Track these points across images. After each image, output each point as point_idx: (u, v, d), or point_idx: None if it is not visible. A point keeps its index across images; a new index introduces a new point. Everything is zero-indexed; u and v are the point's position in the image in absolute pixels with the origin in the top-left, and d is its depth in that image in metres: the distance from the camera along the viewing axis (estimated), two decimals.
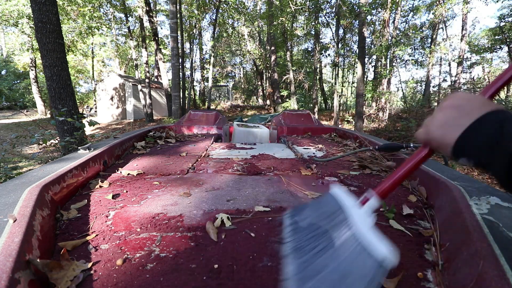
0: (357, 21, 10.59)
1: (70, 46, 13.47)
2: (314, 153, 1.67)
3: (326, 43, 16.02)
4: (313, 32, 13.75)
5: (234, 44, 19.90)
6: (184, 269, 0.56)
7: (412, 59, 15.90)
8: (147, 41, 13.37)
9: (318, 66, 13.73)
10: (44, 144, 2.61)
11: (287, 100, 15.10)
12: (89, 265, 0.56)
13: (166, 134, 2.19)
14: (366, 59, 13.86)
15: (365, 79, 11.59)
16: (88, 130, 10.10)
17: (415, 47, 15.60)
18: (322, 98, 19.08)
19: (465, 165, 0.38)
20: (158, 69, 15.53)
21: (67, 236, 0.68)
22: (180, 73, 11.93)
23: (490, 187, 0.76)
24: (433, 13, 13.86)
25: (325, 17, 13.14)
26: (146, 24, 12.68)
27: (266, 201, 0.89)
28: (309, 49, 19.11)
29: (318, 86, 15.82)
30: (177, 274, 0.54)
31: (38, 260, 0.51)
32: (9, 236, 0.51)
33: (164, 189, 1.00)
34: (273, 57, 14.41)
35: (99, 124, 6.51)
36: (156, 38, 11.99)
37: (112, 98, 15.91)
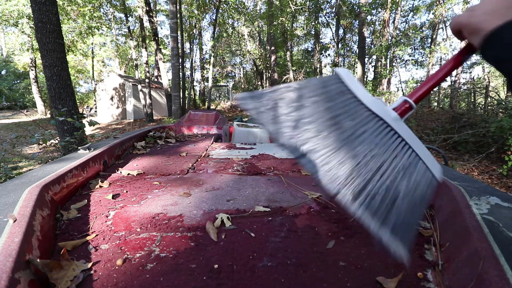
0: (357, 21, 10.59)
1: (70, 46, 13.47)
2: None
3: (326, 43, 16.03)
4: (313, 32, 13.76)
5: (234, 44, 19.90)
6: (184, 269, 0.56)
7: (412, 59, 15.91)
8: (147, 41, 13.37)
9: (318, 66, 13.73)
10: (44, 144, 2.61)
11: None
12: (89, 265, 0.56)
13: (166, 134, 2.19)
14: (366, 59, 13.86)
15: (365, 79, 11.59)
16: (88, 130, 10.10)
17: (415, 47, 15.60)
18: None
19: (488, 60, 0.36)
20: (158, 69, 15.53)
21: (67, 236, 0.68)
22: (180, 73, 11.93)
23: (490, 187, 0.76)
24: (433, 13, 13.86)
25: (325, 17, 13.15)
26: (146, 24, 12.68)
27: (266, 201, 0.89)
28: (309, 49, 19.12)
29: None
30: (177, 274, 0.54)
31: (38, 260, 0.51)
32: (9, 236, 0.51)
33: (164, 189, 1.00)
34: (273, 57, 14.41)
35: (99, 124, 6.51)
36: (156, 38, 11.99)
37: (112, 98, 15.91)
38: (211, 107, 17.65)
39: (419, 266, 0.56)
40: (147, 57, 12.57)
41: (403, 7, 14.49)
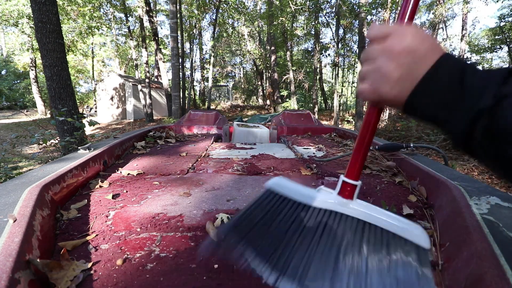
0: (357, 21, 10.58)
1: (70, 46, 13.47)
2: (314, 153, 1.67)
3: (326, 43, 16.01)
4: (313, 32, 13.75)
5: (234, 44, 19.89)
6: (184, 269, 0.56)
7: None
8: (147, 41, 13.36)
9: (318, 66, 13.72)
10: (44, 144, 2.61)
11: (287, 100, 15.10)
12: (89, 265, 0.56)
13: (166, 134, 2.19)
14: None
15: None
16: (88, 130, 10.09)
17: None
18: (322, 98, 19.08)
19: (417, 121, 0.35)
20: (158, 69, 15.53)
21: (67, 236, 0.68)
22: (180, 73, 11.93)
23: (490, 187, 0.76)
24: (433, 13, 13.85)
25: (325, 17, 13.14)
26: (146, 24, 12.68)
27: None
28: (309, 49, 19.13)
29: (318, 86, 15.81)
30: (177, 274, 0.54)
31: (38, 260, 0.51)
32: (9, 236, 0.51)
33: (164, 189, 1.00)
34: (273, 57, 14.41)
35: (99, 124, 6.51)
36: (156, 38, 11.99)
37: (112, 98, 15.91)
38: (211, 107, 17.65)
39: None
40: (147, 57, 12.57)
41: None
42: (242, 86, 24.30)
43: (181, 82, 12.24)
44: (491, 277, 0.41)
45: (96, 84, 17.89)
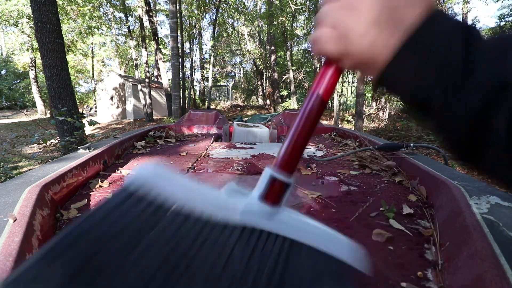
0: None
1: (70, 46, 13.46)
2: (314, 153, 1.67)
3: None
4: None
5: (234, 44, 19.90)
6: None
7: None
8: (147, 41, 13.36)
9: (318, 66, 13.73)
10: (44, 144, 2.61)
11: (287, 100, 15.10)
12: None
13: (166, 134, 2.18)
14: None
15: (365, 79, 11.59)
16: (88, 130, 10.09)
17: None
18: None
19: (392, 95, 0.24)
20: (158, 69, 15.52)
21: None
22: (180, 73, 11.93)
23: (490, 186, 0.76)
24: None
25: None
26: (146, 24, 12.68)
27: None
28: (309, 48, 19.11)
29: None
30: None
31: None
32: (9, 236, 0.51)
33: None
34: (273, 57, 14.41)
35: (99, 124, 6.51)
36: (156, 38, 11.99)
37: (112, 98, 15.91)
38: (211, 107, 17.65)
39: (419, 266, 0.56)
40: (147, 57, 12.57)
41: None
42: (242, 86, 24.30)
43: (181, 82, 12.24)
44: (491, 277, 0.41)
45: (96, 84, 17.89)
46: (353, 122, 9.53)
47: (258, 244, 0.25)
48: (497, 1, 11.09)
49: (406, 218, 0.77)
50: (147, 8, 11.26)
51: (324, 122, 11.34)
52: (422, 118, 0.23)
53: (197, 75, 22.97)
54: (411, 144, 1.30)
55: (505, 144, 0.18)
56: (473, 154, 0.21)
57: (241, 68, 25.34)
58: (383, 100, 12.38)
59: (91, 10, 12.14)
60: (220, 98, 23.07)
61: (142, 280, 0.21)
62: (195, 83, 21.06)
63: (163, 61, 13.01)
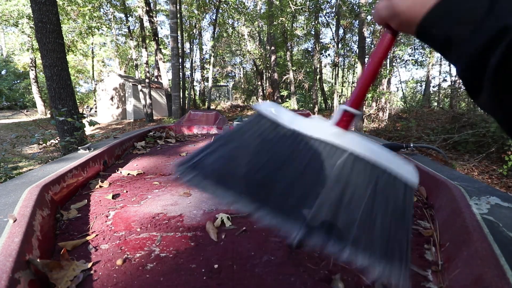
0: (357, 21, 10.59)
1: (70, 46, 13.46)
2: None
3: (326, 43, 16.02)
4: (313, 32, 13.75)
5: (234, 44, 19.89)
6: (184, 269, 0.56)
7: (412, 59, 15.91)
8: (147, 41, 13.36)
9: (318, 66, 13.73)
10: (44, 144, 2.61)
11: (287, 100, 15.10)
12: (89, 265, 0.56)
13: (166, 134, 2.18)
14: (366, 59, 13.86)
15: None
16: (88, 130, 10.09)
17: (415, 47, 15.61)
18: (322, 98, 19.07)
19: (429, 45, 0.31)
20: (158, 69, 15.53)
21: (67, 236, 0.68)
22: (180, 73, 11.93)
23: (490, 187, 0.76)
24: None
25: (325, 17, 13.14)
26: (146, 24, 12.68)
27: None
28: (309, 49, 19.12)
29: (318, 86, 15.82)
30: (177, 274, 0.54)
31: (38, 260, 0.51)
32: (9, 236, 0.51)
33: (164, 189, 1.00)
34: (273, 57, 14.41)
35: (99, 124, 6.50)
36: (156, 38, 11.99)
37: (112, 98, 15.91)
38: (211, 107, 17.64)
39: (419, 266, 0.56)
40: (147, 57, 12.57)
41: None
42: (242, 86, 24.30)
43: (181, 82, 12.24)
44: (491, 277, 0.41)
45: (96, 84, 17.89)
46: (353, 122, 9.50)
47: (329, 153, 0.37)
48: None
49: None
50: (147, 8, 11.26)
51: None
52: (445, 56, 0.29)
53: (197, 75, 23.00)
54: (411, 145, 1.30)
55: (493, 79, 0.21)
56: (477, 86, 0.24)
57: (241, 68, 25.35)
58: (383, 100, 12.39)
59: (91, 10, 12.14)
60: (220, 98, 23.07)
61: (259, 163, 0.37)
62: (195, 83, 21.07)
63: (163, 61, 13.01)
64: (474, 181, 0.80)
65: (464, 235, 0.54)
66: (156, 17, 14.00)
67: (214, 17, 15.08)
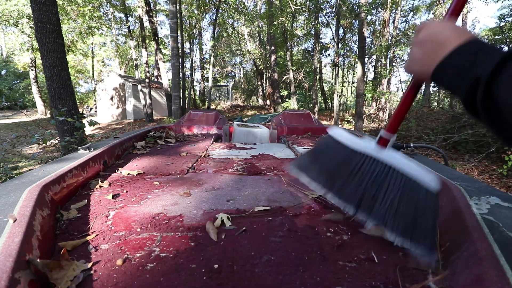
0: (357, 21, 10.59)
1: (70, 46, 13.46)
2: None
3: (326, 43, 16.01)
4: (313, 32, 13.75)
5: (234, 44, 19.89)
6: (184, 269, 0.56)
7: None
8: (147, 41, 13.36)
9: (318, 66, 13.73)
10: (44, 144, 2.61)
11: (287, 100, 15.10)
12: (89, 265, 0.56)
13: (166, 134, 2.19)
14: (366, 59, 13.85)
15: (365, 79, 11.58)
16: (88, 130, 10.09)
17: None
18: (322, 98, 19.07)
19: (442, 89, 0.46)
20: (158, 69, 15.53)
21: (67, 236, 0.68)
22: (180, 73, 11.93)
23: (490, 187, 0.76)
24: (433, 13, 13.85)
25: (325, 17, 13.14)
26: (146, 24, 12.68)
27: (266, 201, 0.89)
28: (309, 49, 19.12)
29: (318, 86, 15.82)
30: (177, 274, 0.54)
31: (38, 260, 0.51)
32: (9, 236, 0.51)
33: (164, 189, 1.00)
34: (273, 57, 14.41)
35: (99, 124, 6.51)
36: (156, 38, 11.99)
37: (112, 98, 15.91)
38: (211, 107, 17.64)
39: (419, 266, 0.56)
40: (147, 57, 12.58)
41: (403, 7, 14.49)
42: (242, 86, 24.29)
43: (181, 82, 12.24)
44: (491, 277, 0.41)
45: (96, 84, 17.89)
46: (353, 122, 9.53)
47: (373, 165, 0.56)
48: (497, 1, 11.09)
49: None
50: (147, 8, 11.26)
51: (324, 122, 11.33)
52: (453, 95, 0.41)
53: (197, 75, 22.99)
54: (411, 145, 1.30)
55: (482, 109, 0.35)
56: (475, 112, 0.37)
57: (241, 68, 25.34)
58: (383, 100, 12.39)
59: (91, 10, 12.13)
60: (220, 98, 23.07)
61: (332, 170, 0.60)
62: (195, 83, 21.07)
63: (163, 61, 13.01)
64: (474, 181, 0.80)
65: (464, 235, 0.54)
66: (156, 17, 14.00)
67: (214, 17, 15.08)
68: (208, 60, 19.62)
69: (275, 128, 2.81)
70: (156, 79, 17.59)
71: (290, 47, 16.29)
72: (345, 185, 0.56)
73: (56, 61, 3.73)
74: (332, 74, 17.64)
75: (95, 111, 17.93)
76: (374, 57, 15.25)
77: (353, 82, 20.81)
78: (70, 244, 0.62)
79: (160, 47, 12.66)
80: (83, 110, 20.66)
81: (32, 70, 16.34)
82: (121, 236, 0.67)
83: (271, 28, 12.79)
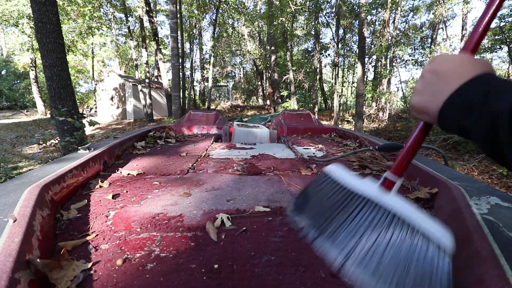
0: (357, 21, 10.59)
1: (70, 46, 13.46)
2: (314, 153, 1.67)
3: (326, 43, 16.02)
4: (313, 32, 13.75)
5: (234, 44, 19.89)
6: (184, 269, 0.56)
7: (412, 59, 15.91)
8: (147, 41, 13.36)
9: (318, 66, 13.73)
10: (44, 144, 2.61)
11: (287, 100, 15.10)
12: (89, 265, 0.56)
13: (166, 134, 2.19)
14: (366, 59, 13.85)
15: (365, 79, 11.58)
16: (88, 130, 10.09)
17: (415, 47, 15.59)
18: (322, 98, 19.07)
19: (452, 133, 0.38)
20: (158, 69, 15.53)
21: (67, 236, 0.68)
22: (180, 73, 11.93)
23: (490, 187, 0.76)
24: (433, 13, 13.86)
25: (325, 17, 13.14)
26: (146, 24, 12.68)
27: (266, 201, 0.89)
28: (309, 49, 19.12)
29: (318, 86, 15.82)
30: (177, 274, 0.54)
31: (38, 260, 0.51)
32: (9, 236, 0.51)
33: (164, 189, 1.00)
34: (273, 57, 14.41)
35: (99, 124, 6.51)
36: (156, 38, 11.99)
37: (112, 98, 15.91)
38: (211, 107, 17.64)
39: None
40: (147, 57, 12.57)
41: (403, 7, 14.49)
42: (242, 86, 24.29)
43: (181, 82, 12.24)
44: (491, 277, 0.41)
45: (96, 84, 17.89)
46: (353, 122, 9.53)
47: (373, 209, 0.46)
48: None
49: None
50: (147, 9, 11.26)
51: (324, 122, 11.33)
52: (466, 138, 0.36)
53: (197, 76, 23.00)
54: None
55: (508, 152, 0.29)
56: (500, 154, 0.31)
57: (241, 69, 25.34)
58: (383, 100, 12.39)
59: (91, 10, 12.14)
60: (220, 98, 23.07)
61: (323, 208, 0.50)
62: (195, 83, 21.07)
63: (163, 62, 13.01)
64: (474, 181, 0.80)
65: (464, 235, 0.54)
66: (156, 17, 14.00)
67: (214, 17, 15.09)
68: (208, 60, 19.62)
69: (275, 128, 2.81)
70: (156, 79, 17.58)
71: (290, 47, 16.30)
72: (338, 230, 0.47)
73: (56, 61, 3.73)
74: (332, 74, 17.65)
75: (95, 111, 17.93)
76: (374, 57, 15.26)
77: (353, 82, 20.82)
78: (70, 244, 0.62)
79: (160, 47, 12.66)
80: (83, 110, 20.67)
81: (32, 70, 16.34)
82: (121, 236, 0.67)
83: (271, 28, 12.80)
